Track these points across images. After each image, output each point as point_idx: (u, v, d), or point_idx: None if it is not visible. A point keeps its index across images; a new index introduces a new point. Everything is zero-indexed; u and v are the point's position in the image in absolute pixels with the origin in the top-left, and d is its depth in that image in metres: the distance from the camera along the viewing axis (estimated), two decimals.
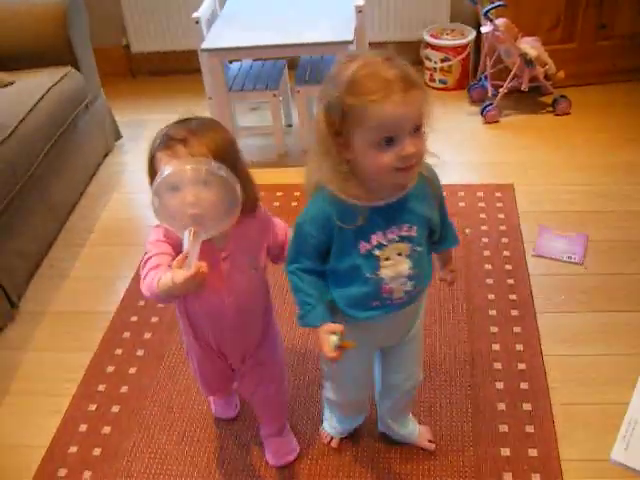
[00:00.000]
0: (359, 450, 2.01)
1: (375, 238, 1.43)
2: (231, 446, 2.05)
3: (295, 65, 3.50)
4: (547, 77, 3.55)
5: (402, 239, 1.45)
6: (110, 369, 2.34)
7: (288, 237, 1.72)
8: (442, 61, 3.87)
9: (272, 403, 1.96)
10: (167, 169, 1.37)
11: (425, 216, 1.48)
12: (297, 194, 3.13)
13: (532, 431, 2.01)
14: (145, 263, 1.52)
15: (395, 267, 1.47)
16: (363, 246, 1.43)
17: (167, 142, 1.45)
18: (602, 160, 3.23)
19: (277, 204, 3.07)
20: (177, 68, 4.15)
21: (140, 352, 2.39)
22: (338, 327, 1.42)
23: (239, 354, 1.79)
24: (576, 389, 2.15)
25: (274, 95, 3.32)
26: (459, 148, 3.43)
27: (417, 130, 1.29)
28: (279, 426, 2.00)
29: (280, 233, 1.74)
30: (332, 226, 1.41)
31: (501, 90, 3.55)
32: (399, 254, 1.46)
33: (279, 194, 3.14)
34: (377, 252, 1.44)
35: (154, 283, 1.44)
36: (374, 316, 1.54)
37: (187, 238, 1.37)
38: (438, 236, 1.59)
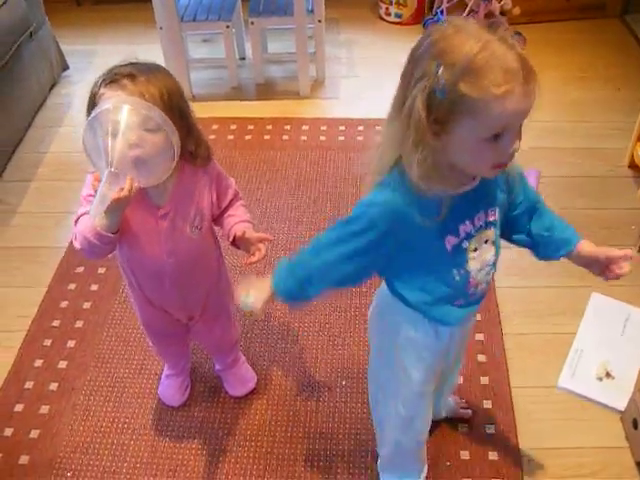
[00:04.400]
0: (316, 381, 2.06)
1: (463, 229, 1.25)
2: (190, 377, 2.06)
3: None
4: (503, 13, 3.54)
5: (488, 225, 1.29)
6: (64, 304, 2.31)
7: (237, 197, 1.66)
8: None
9: (223, 345, 1.97)
10: (107, 102, 1.30)
11: (501, 198, 1.33)
12: (251, 127, 3.10)
13: (484, 360, 2.08)
14: (76, 223, 1.47)
15: (481, 256, 1.31)
16: (449, 241, 1.25)
17: (113, 77, 1.35)
18: (554, 97, 3.26)
19: (231, 137, 3.03)
20: None
21: (94, 287, 2.37)
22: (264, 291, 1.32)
23: (184, 313, 1.76)
24: (526, 319, 2.23)
25: (227, 26, 3.24)
26: None
27: (521, 124, 1.15)
28: (233, 358, 2.01)
29: (229, 193, 1.64)
30: (407, 224, 1.20)
31: None
32: (486, 241, 1.31)
33: (233, 127, 3.09)
34: (465, 244, 1.27)
35: (88, 224, 1.41)
36: (462, 317, 1.39)
37: (104, 179, 1.29)
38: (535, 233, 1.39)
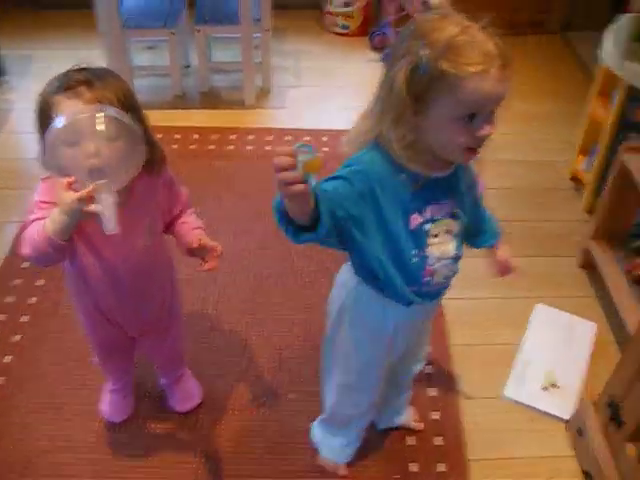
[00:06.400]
0: (263, 395, 2.02)
1: (430, 210, 1.29)
2: (133, 392, 1.99)
3: (194, 2, 3.37)
4: None
5: (452, 216, 1.33)
6: (1, 317, 2.23)
7: (188, 204, 1.63)
8: (344, 6, 3.83)
9: (173, 358, 1.93)
10: (63, 118, 1.24)
11: (466, 197, 1.37)
12: (195, 137, 3.06)
13: (431, 371, 2.08)
14: (24, 227, 1.40)
15: (442, 246, 1.33)
16: (415, 219, 1.28)
17: (68, 84, 1.30)
18: (497, 110, 3.31)
19: (175, 147, 2.98)
20: (65, 1, 3.91)
21: (33, 300, 2.29)
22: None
23: (137, 326, 1.71)
24: (472, 331, 2.24)
25: (172, 33, 3.19)
26: (359, 94, 3.42)
27: (493, 111, 1.19)
28: (180, 374, 1.98)
29: (181, 200, 1.61)
30: (380, 189, 1.23)
31: None
32: (447, 232, 1.34)
33: (177, 136, 3.06)
34: (428, 226, 1.30)
35: (39, 230, 1.34)
36: (411, 300, 1.39)
37: (103, 200, 1.26)
38: (473, 228, 1.48)
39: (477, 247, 1.58)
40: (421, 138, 1.20)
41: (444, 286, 1.44)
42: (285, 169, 0.98)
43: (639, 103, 2.40)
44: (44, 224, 1.34)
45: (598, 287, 2.39)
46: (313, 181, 1.01)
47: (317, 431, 1.86)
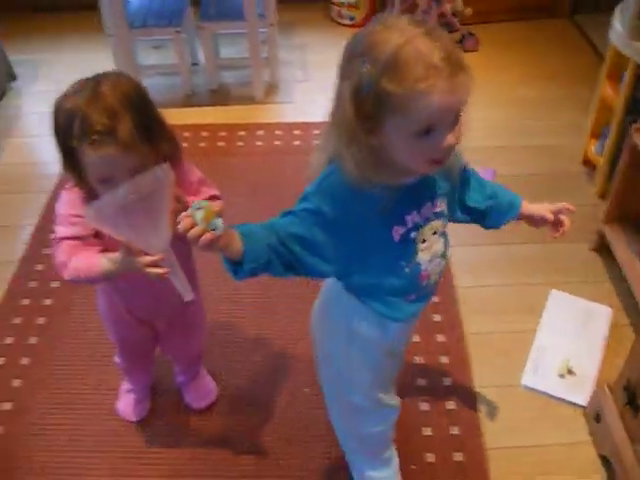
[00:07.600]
0: (277, 390, 2.03)
1: (410, 219, 1.24)
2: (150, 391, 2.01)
3: (199, 0, 3.37)
4: (455, 14, 3.56)
5: (436, 215, 1.28)
6: (17, 320, 2.24)
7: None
8: None
9: (195, 355, 1.95)
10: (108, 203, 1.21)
11: (445, 187, 1.32)
12: (204, 134, 3.06)
13: (447, 361, 2.07)
14: (57, 246, 1.41)
15: (431, 248, 1.29)
16: (397, 231, 1.23)
17: (92, 136, 1.27)
18: (507, 96, 3.29)
19: (185, 145, 2.97)
20: (71, 3, 3.92)
21: (48, 302, 2.30)
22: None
23: (167, 317, 1.73)
24: (486, 319, 2.22)
25: (178, 32, 3.19)
26: None
27: (457, 118, 1.11)
28: (196, 371, 1.99)
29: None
30: (351, 212, 1.20)
31: None
32: (434, 233, 1.29)
33: (186, 134, 3.06)
34: (413, 234, 1.25)
35: (92, 267, 1.38)
36: (414, 312, 1.38)
37: (172, 277, 1.33)
38: (490, 209, 1.45)
39: (503, 224, 1.50)
40: (381, 155, 1.14)
41: (438, 280, 1.39)
42: (189, 229, 1.07)
43: None
44: (99, 264, 1.38)
45: (612, 271, 2.37)
46: (220, 224, 1.10)
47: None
